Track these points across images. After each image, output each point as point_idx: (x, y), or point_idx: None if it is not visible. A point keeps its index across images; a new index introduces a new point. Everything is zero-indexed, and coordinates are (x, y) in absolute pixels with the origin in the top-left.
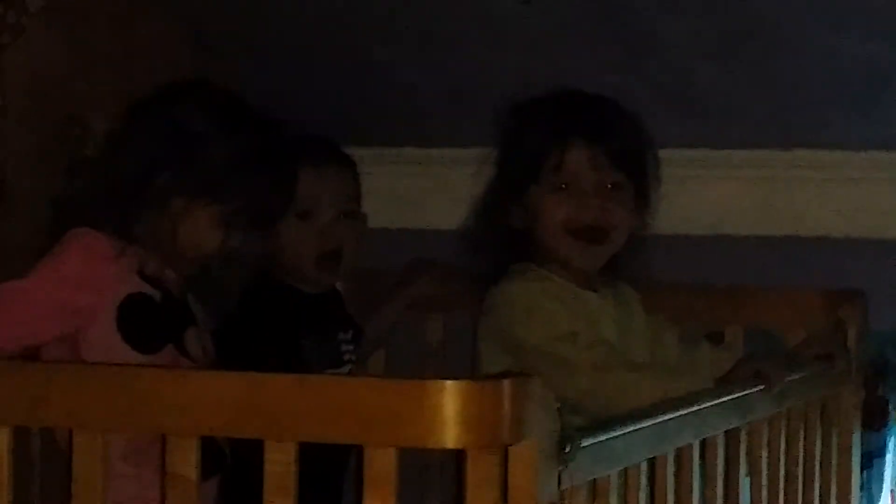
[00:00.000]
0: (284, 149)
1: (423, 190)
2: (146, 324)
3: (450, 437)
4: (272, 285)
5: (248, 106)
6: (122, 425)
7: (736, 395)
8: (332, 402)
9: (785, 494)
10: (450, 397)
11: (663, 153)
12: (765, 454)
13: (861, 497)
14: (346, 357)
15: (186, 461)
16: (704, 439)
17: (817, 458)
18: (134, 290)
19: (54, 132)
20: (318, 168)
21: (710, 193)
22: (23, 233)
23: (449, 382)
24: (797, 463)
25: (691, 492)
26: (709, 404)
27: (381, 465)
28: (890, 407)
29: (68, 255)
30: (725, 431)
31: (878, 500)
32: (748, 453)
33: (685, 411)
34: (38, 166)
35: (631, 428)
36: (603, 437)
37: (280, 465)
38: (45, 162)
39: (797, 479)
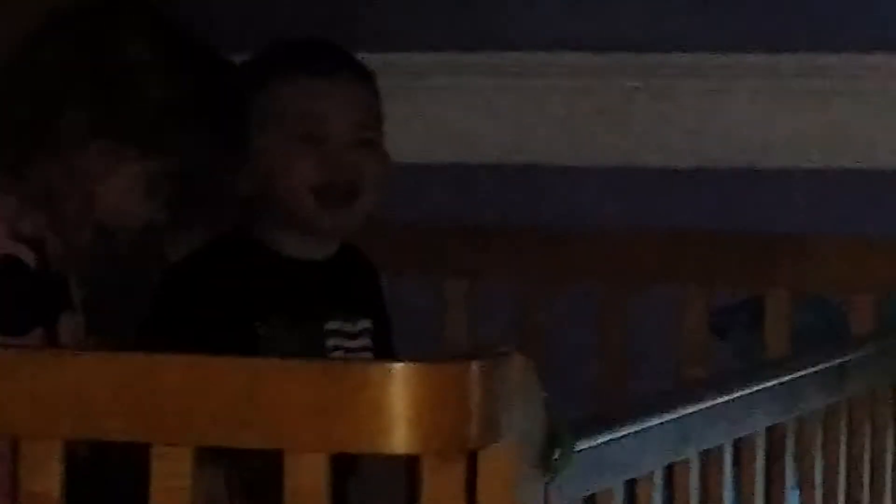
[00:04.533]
0: (238, 98)
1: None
2: (12, 296)
3: (398, 439)
4: (233, 243)
5: (193, 36)
6: None
7: (781, 381)
8: (238, 394)
9: None
10: (398, 385)
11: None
12: (819, 458)
13: None
14: (337, 356)
15: (46, 473)
16: (739, 439)
17: (889, 463)
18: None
19: None
20: (328, 77)
21: None
22: None
23: (397, 365)
24: (860, 468)
25: None
26: (745, 392)
27: (307, 476)
28: None
29: None
30: (767, 429)
31: None
32: (797, 457)
33: (713, 402)
34: None
35: (642, 425)
36: (605, 438)
37: (173, 478)
38: None
39: (862, 488)
